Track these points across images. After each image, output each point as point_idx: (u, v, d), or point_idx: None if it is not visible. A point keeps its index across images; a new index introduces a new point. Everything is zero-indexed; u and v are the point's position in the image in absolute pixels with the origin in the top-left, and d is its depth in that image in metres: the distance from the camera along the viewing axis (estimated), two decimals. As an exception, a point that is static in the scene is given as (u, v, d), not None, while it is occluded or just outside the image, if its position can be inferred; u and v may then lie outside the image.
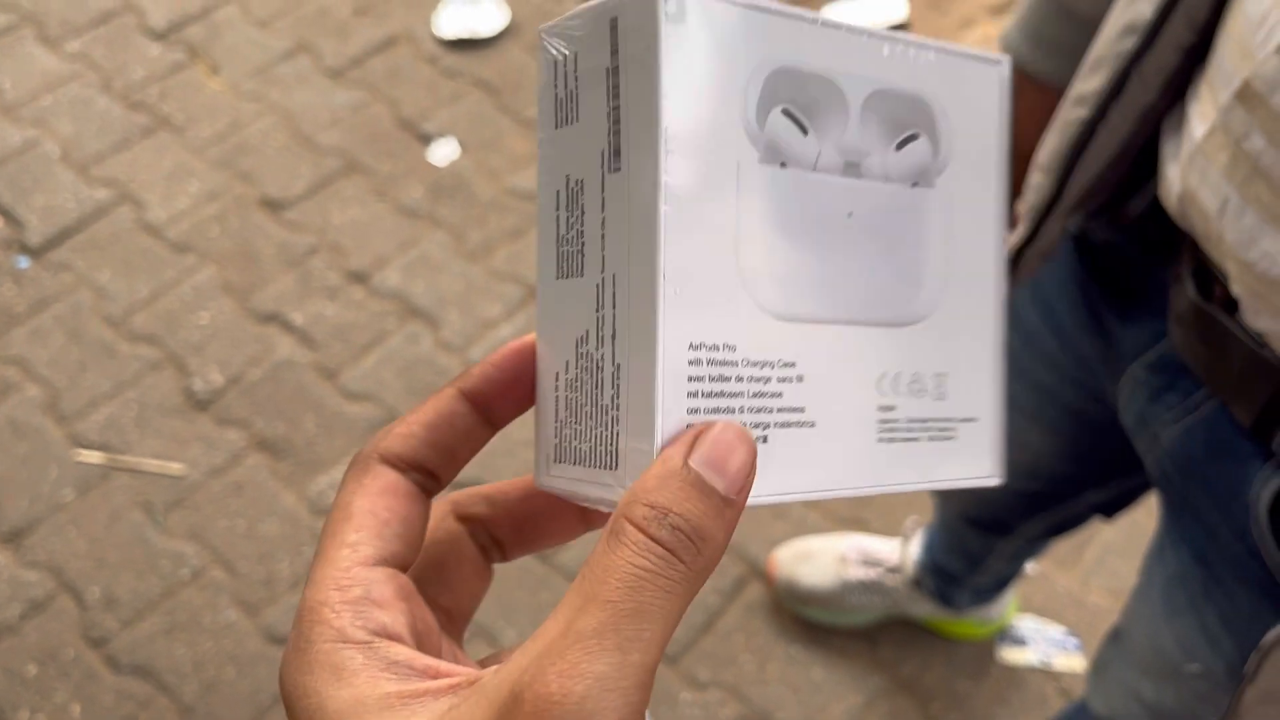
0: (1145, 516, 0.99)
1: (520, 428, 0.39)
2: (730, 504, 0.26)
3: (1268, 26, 0.53)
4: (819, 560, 1.46)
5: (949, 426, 0.33)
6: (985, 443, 0.34)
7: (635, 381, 0.27)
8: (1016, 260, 0.81)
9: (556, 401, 0.31)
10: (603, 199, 0.28)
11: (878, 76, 0.30)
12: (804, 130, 0.29)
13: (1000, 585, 1.35)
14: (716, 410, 0.28)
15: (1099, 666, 0.85)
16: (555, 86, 0.30)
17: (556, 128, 0.30)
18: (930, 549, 1.35)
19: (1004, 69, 0.34)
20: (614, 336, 0.28)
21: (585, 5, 0.29)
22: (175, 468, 1.62)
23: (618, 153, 0.28)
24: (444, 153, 2.00)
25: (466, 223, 1.90)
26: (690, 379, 0.27)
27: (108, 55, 2.12)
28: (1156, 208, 0.69)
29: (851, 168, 0.30)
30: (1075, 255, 0.81)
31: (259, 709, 1.41)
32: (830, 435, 0.30)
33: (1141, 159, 0.70)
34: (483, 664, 0.31)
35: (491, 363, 0.32)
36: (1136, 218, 0.72)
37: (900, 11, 2.25)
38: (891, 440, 0.31)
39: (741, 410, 0.28)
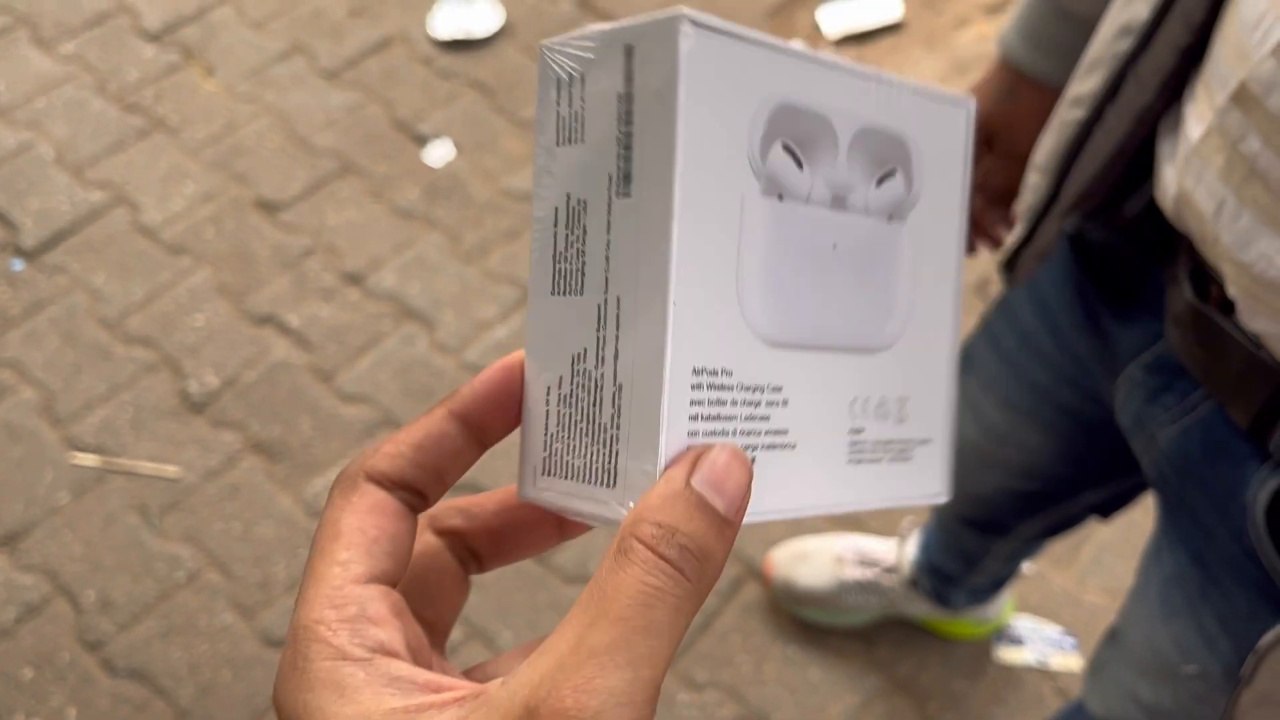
0: (1142, 515, 0.99)
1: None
2: (729, 524, 0.27)
3: (1263, 28, 0.53)
4: (815, 561, 1.46)
5: (907, 447, 0.35)
6: (937, 463, 0.36)
7: (639, 403, 0.28)
8: (1013, 261, 0.81)
9: (547, 416, 0.31)
10: (608, 222, 0.29)
11: (864, 114, 0.32)
12: (800, 165, 0.30)
13: (997, 585, 1.35)
14: (713, 433, 0.29)
15: (1096, 667, 0.85)
16: (558, 104, 0.31)
17: (558, 145, 0.31)
18: (927, 549, 1.35)
19: (970, 109, 0.35)
20: (616, 357, 0.29)
21: (596, 28, 0.29)
22: (171, 470, 1.62)
23: (628, 178, 0.28)
24: (439, 154, 2.00)
25: (462, 224, 1.90)
26: (692, 403, 0.28)
27: (102, 57, 2.12)
28: (1153, 208, 0.69)
29: (838, 201, 0.31)
30: (1072, 255, 0.82)
31: (255, 712, 1.41)
32: (808, 456, 0.31)
33: (1138, 160, 0.70)
34: (468, 675, 0.31)
35: (481, 382, 0.32)
36: (1133, 218, 0.73)
37: (896, 11, 2.25)
38: (859, 461, 0.33)
39: (735, 433, 0.30)
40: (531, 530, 0.34)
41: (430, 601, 0.32)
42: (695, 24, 0.28)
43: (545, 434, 0.31)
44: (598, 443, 0.29)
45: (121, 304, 1.79)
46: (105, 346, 1.74)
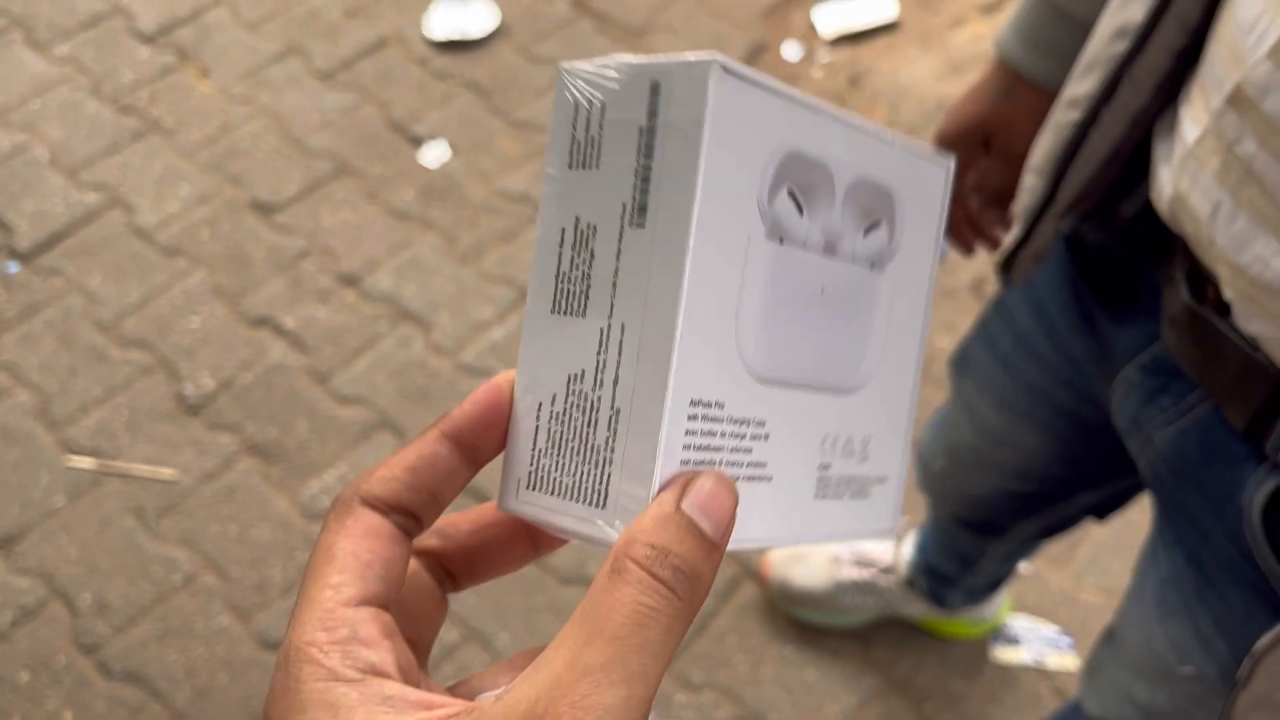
0: (1139, 515, 1.00)
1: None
2: (716, 547, 0.28)
3: (1258, 31, 0.53)
4: (812, 561, 1.46)
5: (866, 485, 0.36)
6: (889, 501, 0.38)
7: (637, 429, 0.29)
8: (1010, 262, 0.81)
9: (536, 431, 0.32)
10: (618, 249, 0.30)
11: (860, 166, 0.33)
12: (801, 211, 0.32)
13: (993, 585, 1.35)
14: (702, 462, 0.30)
15: (1092, 668, 0.86)
16: (574, 128, 0.31)
17: (570, 168, 0.32)
18: (923, 549, 1.35)
19: (949, 168, 0.37)
20: (616, 382, 0.30)
21: (622, 59, 0.30)
22: (167, 473, 1.62)
23: (642, 210, 0.29)
24: (435, 155, 2.00)
25: (458, 225, 1.90)
26: (686, 432, 0.29)
27: (97, 59, 2.12)
28: (1149, 210, 0.69)
29: (830, 247, 0.33)
30: (1068, 256, 0.82)
31: (252, 714, 1.41)
32: (782, 489, 0.33)
33: (1134, 161, 0.70)
34: (451, 691, 0.31)
35: (471, 403, 0.32)
36: (1129, 220, 0.73)
37: (891, 10, 2.25)
38: (824, 496, 0.35)
39: (722, 463, 0.31)
40: (505, 549, 0.35)
41: (411, 621, 0.32)
42: (726, 70, 0.29)
43: (533, 449, 0.32)
44: (589, 463, 0.30)
45: (117, 306, 1.79)
46: (101, 349, 1.74)
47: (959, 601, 1.38)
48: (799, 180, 0.31)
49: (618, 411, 0.30)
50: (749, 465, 0.31)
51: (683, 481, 0.29)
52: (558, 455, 0.31)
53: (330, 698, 0.26)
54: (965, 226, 0.97)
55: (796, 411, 0.33)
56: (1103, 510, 0.98)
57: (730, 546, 0.30)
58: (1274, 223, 0.53)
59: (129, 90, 2.07)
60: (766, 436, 0.32)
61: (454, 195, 1.94)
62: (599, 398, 0.30)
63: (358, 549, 0.29)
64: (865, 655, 1.48)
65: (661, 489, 0.29)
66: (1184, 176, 0.60)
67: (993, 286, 1.82)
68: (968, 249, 0.99)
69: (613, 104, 0.30)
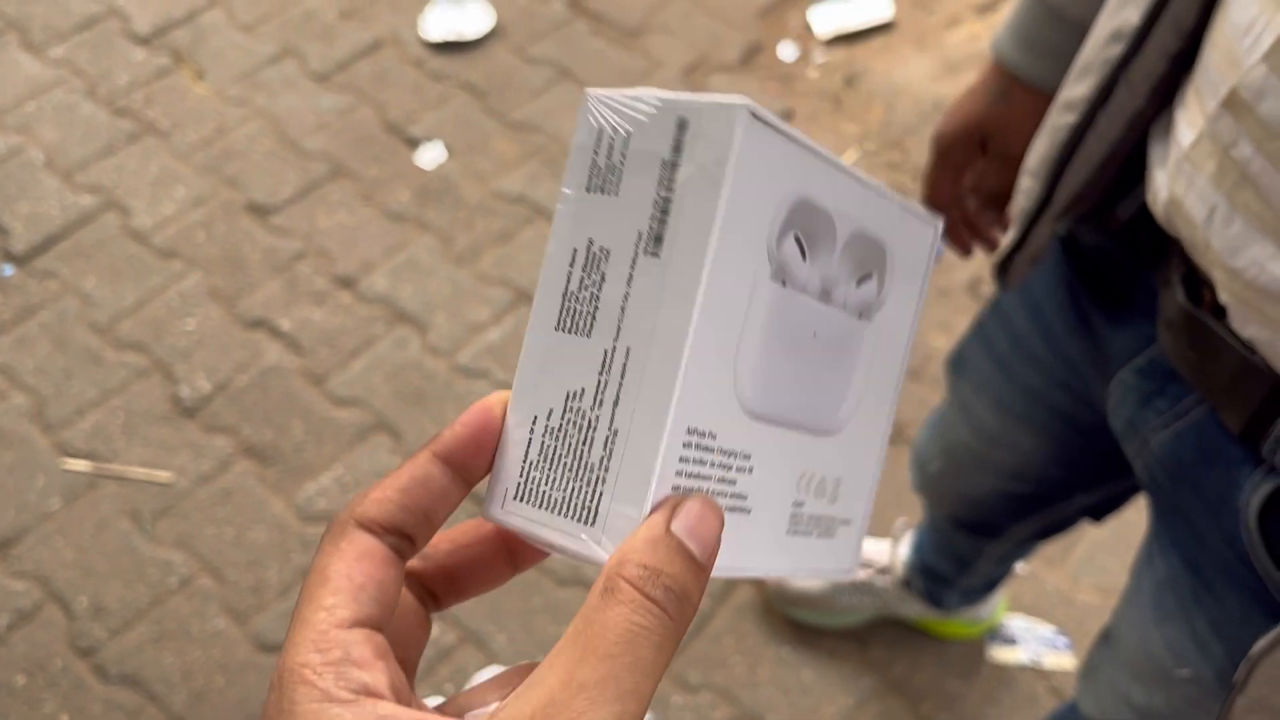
0: (1135, 514, 1.00)
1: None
2: (704, 568, 0.29)
3: (1254, 34, 0.53)
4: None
5: (833, 525, 0.38)
6: (852, 542, 0.39)
7: (633, 452, 0.30)
8: (1006, 265, 0.82)
9: (529, 443, 0.32)
10: (630, 274, 0.31)
11: (860, 219, 0.35)
12: (804, 256, 0.33)
13: (989, 586, 1.35)
14: (691, 489, 0.31)
15: (1089, 670, 0.86)
16: (595, 153, 0.32)
17: (588, 190, 0.33)
18: (919, 550, 1.35)
19: (937, 228, 0.39)
20: (616, 403, 0.31)
21: (652, 92, 0.32)
22: (163, 475, 1.61)
23: (658, 240, 0.31)
24: (431, 156, 1.99)
25: (454, 226, 1.90)
26: (680, 459, 0.30)
27: (92, 61, 2.11)
28: (1145, 212, 0.69)
29: (825, 294, 0.34)
30: (1064, 258, 0.82)
31: (249, 717, 1.41)
32: (758, 522, 0.34)
33: (1130, 164, 0.70)
34: (441, 709, 0.32)
35: (462, 424, 0.33)
36: (1125, 222, 0.73)
37: (886, 10, 2.25)
38: (795, 532, 0.36)
39: (708, 491, 0.32)
40: (484, 567, 0.35)
41: (397, 642, 0.32)
42: (753, 115, 0.30)
43: (524, 460, 0.33)
44: (581, 480, 0.31)
45: (112, 309, 1.79)
46: (96, 351, 1.74)
47: (955, 602, 1.38)
48: (805, 227, 0.33)
49: (615, 432, 0.31)
50: (732, 496, 0.33)
51: (671, 504, 0.29)
52: (549, 469, 0.32)
53: (324, 719, 0.27)
54: (962, 227, 0.97)
55: (779, 448, 0.34)
56: (1099, 512, 0.98)
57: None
58: (1270, 226, 0.53)
59: (124, 92, 2.07)
60: (751, 470, 0.33)
61: (450, 196, 1.94)
62: (597, 417, 0.31)
63: (351, 571, 0.30)
64: (862, 656, 1.48)
65: (652, 511, 0.30)
66: (1179, 180, 0.60)
67: (988, 286, 1.82)
68: (965, 250, 0.99)
69: (638, 134, 0.31)
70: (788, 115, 2.09)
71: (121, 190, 1.93)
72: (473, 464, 0.33)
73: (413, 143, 2.01)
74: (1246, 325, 0.58)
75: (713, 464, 0.31)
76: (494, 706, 0.29)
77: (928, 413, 1.13)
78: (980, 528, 1.15)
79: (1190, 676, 0.69)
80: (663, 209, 0.31)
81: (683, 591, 0.28)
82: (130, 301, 1.80)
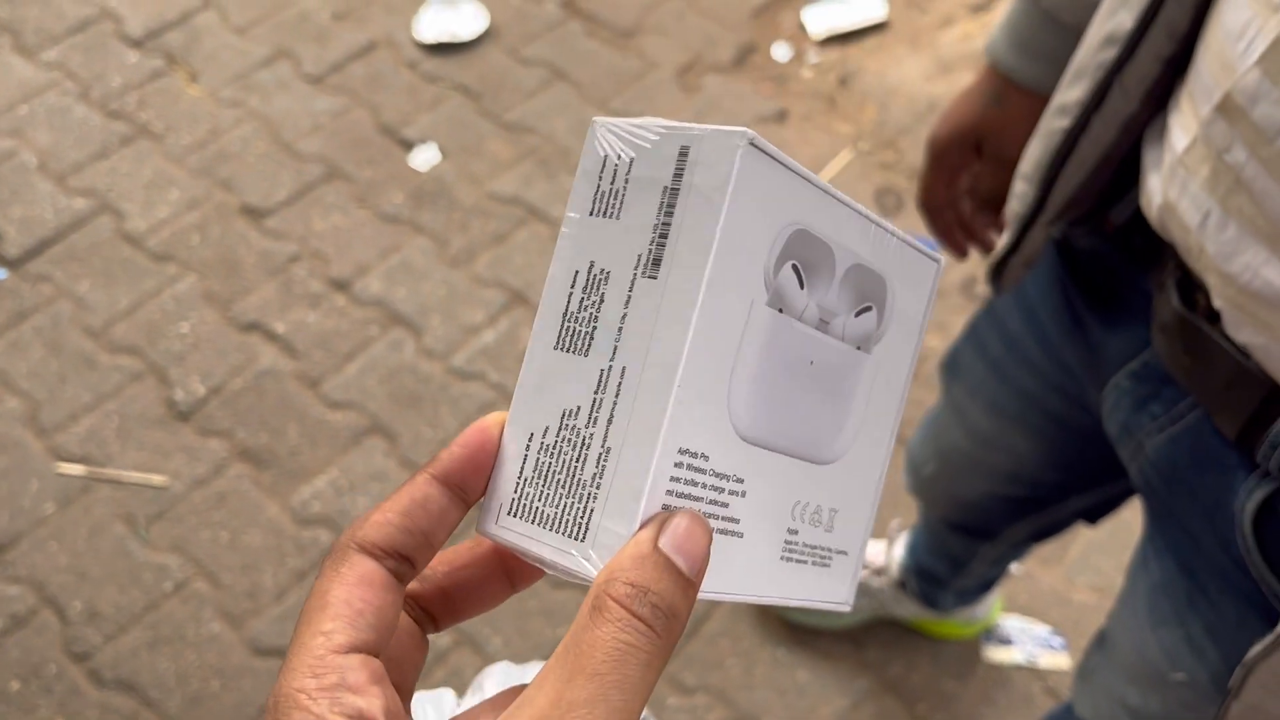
0: (1130, 514, 1.00)
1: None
2: (691, 584, 0.29)
3: (1247, 39, 0.53)
4: (805, 564, 1.46)
5: (828, 555, 0.38)
6: (848, 574, 0.39)
7: (625, 471, 0.30)
8: (1000, 269, 0.81)
9: (524, 459, 0.33)
10: (629, 296, 0.32)
11: (860, 252, 0.35)
12: (801, 285, 0.33)
13: (985, 586, 1.35)
14: (681, 509, 0.31)
15: (1084, 672, 0.86)
16: (600, 178, 0.33)
17: (591, 215, 0.33)
18: (914, 551, 1.35)
19: (940, 265, 0.40)
20: (610, 422, 0.31)
21: (655, 120, 0.32)
22: (157, 479, 1.61)
23: (657, 263, 0.31)
24: (425, 158, 1.99)
25: (448, 228, 1.90)
26: (671, 478, 0.31)
27: (85, 63, 2.11)
28: (1140, 217, 0.69)
29: (823, 324, 0.35)
30: (1059, 261, 0.82)
31: (245, 721, 1.41)
32: (751, 547, 0.34)
33: (1124, 168, 0.70)
34: None
35: (459, 445, 0.33)
36: (1120, 226, 0.73)
37: (880, 10, 2.25)
38: (789, 560, 0.36)
39: (700, 513, 0.32)
40: (482, 587, 0.35)
41: (394, 664, 0.33)
42: (753, 144, 0.31)
43: (519, 476, 0.33)
44: (573, 496, 0.31)
45: (106, 312, 1.78)
46: (90, 355, 1.74)
47: (950, 603, 1.38)
48: (803, 256, 0.33)
49: (608, 450, 0.31)
50: (723, 519, 0.33)
51: (660, 520, 0.30)
52: (543, 485, 0.32)
53: None
54: (958, 230, 0.97)
55: (773, 474, 0.34)
56: (1094, 514, 0.99)
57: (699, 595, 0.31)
58: (1263, 232, 0.53)
59: (117, 95, 2.06)
60: (743, 494, 0.33)
61: (444, 198, 1.94)
62: (591, 435, 0.31)
63: (350, 596, 0.30)
64: (858, 656, 1.48)
65: (640, 527, 0.30)
66: (1173, 184, 0.60)
67: (983, 286, 1.82)
68: (960, 253, 0.99)
69: (641, 161, 0.32)
70: (782, 116, 2.09)
71: (115, 193, 1.93)
72: (471, 484, 0.33)
73: (407, 145, 2.01)
74: (1240, 330, 0.58)
75: (704, 485, 0.32)
76: None
77: (923, 414, 1.13)
78: (975, 530, 1.15)
79: (1185, 680, 0.69)
80: (662, 234, 0.31)
81: (670, 609, 0.28)
82: (124, 305, 1.79)
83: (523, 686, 0.29)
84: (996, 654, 1.48)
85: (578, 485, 0.31)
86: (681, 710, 1.42)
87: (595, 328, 0.32)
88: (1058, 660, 1.48)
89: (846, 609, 0.39)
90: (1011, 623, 1.51)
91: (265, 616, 1.49)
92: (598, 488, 0.31)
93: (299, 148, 1.99)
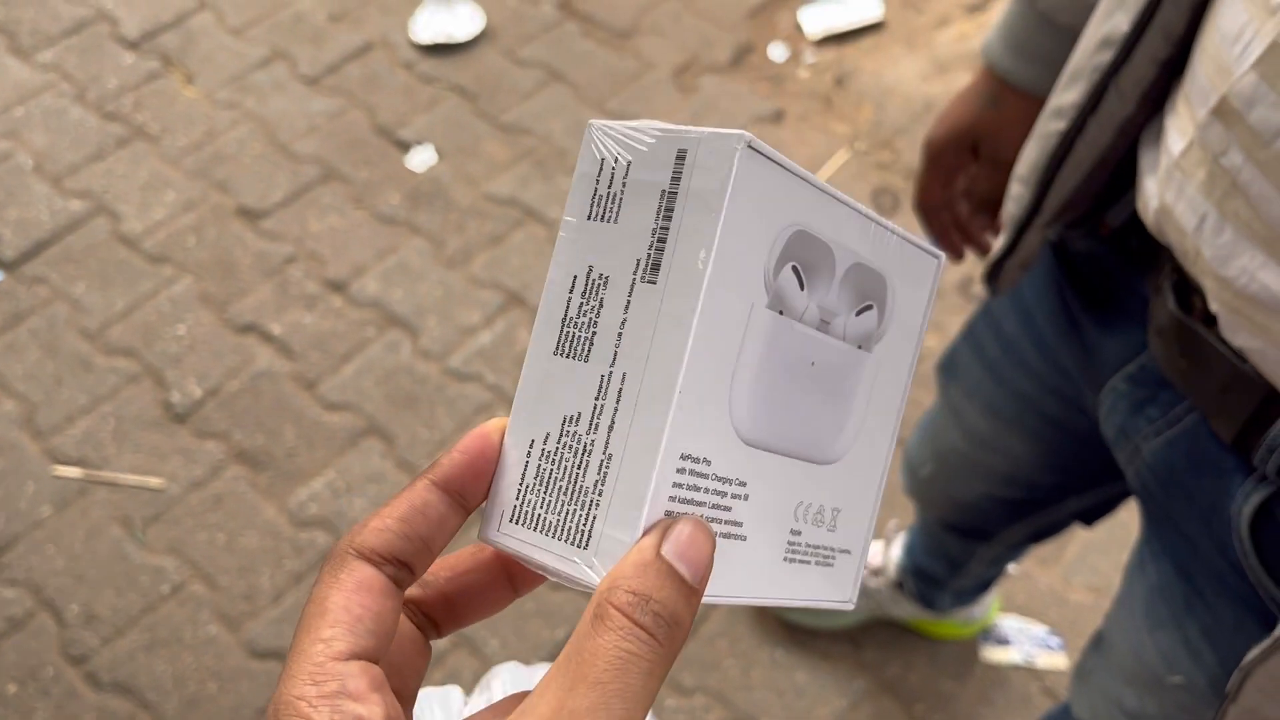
0: (1127, 513, 1.00)
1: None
2: (695, 591, 0.29)
3: (1243, 42, 0.53)
4: (802, 565, 1.46)
5: (831, 555, 0.38)
6: (851, 573, 0.39)
7: (627, 476, 0.30)
8: (997, 271, 0.81)
9: (525, 466, 0.33)
10: (628, 301, 0.32)
11: (859, 251, 0.35)
12: (802, 286, 0.33)
13: (982, 587, 1.35)
14: (684, 515, 0.31)
15: (1081, 673, 0.86)
16: (597, 182, 0.33)
17: (589, 219, 0.33)
18: (911, 552, 1.35)
19: (940, 261, 0.39)
20: (611, 428, 0.31)
21: (652, 123, 0.32)
22: (154, 481, 1.61)
23: (656, 268, 0.31)
24: (421, 159, 1.99)
25: (445, 229, 1.90)
26: (674, 484, 0.30)
27: (81, 65, 2.11)
28: (1136, 220, 0.69)
29: (824, 325, 0.35)
30: (1055, 263, 0.82)
31: (243, 724, 1.40)
32: (755, 549, 0.34)
33: (1121, 170, 0.70)
34: None
35: (459, 451, 0.33)
36: (1116, 229, 0.73)
37: (876, 10, 2.25)
38: (792, 560, 0.36)
39: (702, 518, 0.32)
40: (484, 593, 0.35)
41: (395, 671, 0.33)
42: (751, 147, 0.30)
43: (520, 483, 0.33)
44: (575, 503, 0.31)
45: (102, 314, 1.78)
46: (86, 357, 1.73)
47: (948, 603, 1.38)
48: (803, 257, 0.33)
49: (609, 456, 0.31)
50: (726, 523, 0.33)
51: (662, 527, 0.29)
52: (544, 493, 0.32)
53: None
54: (954, 231, 0.97)
55: (776, 476, 0.34)
56: (1090, 516, 0.99)
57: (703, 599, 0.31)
58: (1260, 235, 0.53)
59: (113, 96, 2.06)
60: (746, 497, 0.33)
61: (441, 199, 1.94)
62: (592, 441, 0.31)
63: (349, 603, 0.30)
64: (855, 657, 1.48)
65: (643, 534, 0.30)
66: (1170, 188, 0.60)
67: (979, 285, 1.83)
68: (957, 254, 0.99)
69: (638, 165, 0.32)
70: (778, 116, 2.09)
71: (111, 195, 1.93)
72: (471, 491, 0.33)
73: (403, 146, 2.01)
74: (1237, 334, 0.57)
75: (707, 490, 0.31)
76: None
77: (920, 414, 1.13)
78: (972, 531, 1.15)
79: (1182, 683, 0.69)
80: (661, 238, 0.31)
81: (672, 617, 0.28)
82: (120, 307, 1.79)
83: (527, 692, 0.28)
84: (994, 654, 1.48)
85: (580, 492, 0.31)
86: (680, 711, 1.42)
87: (595, 333, 0.32)
88: (1055, 660, 1.48)
89: (850, 608, 0.39)
90: (1009, 623, 1.51)
91: (262, 618, 1.49)
92: (600, 495, 0.31)
93: (295, 149, 1.99)
